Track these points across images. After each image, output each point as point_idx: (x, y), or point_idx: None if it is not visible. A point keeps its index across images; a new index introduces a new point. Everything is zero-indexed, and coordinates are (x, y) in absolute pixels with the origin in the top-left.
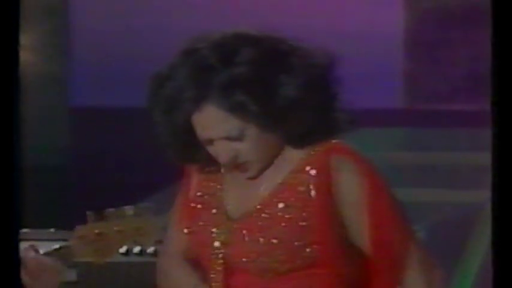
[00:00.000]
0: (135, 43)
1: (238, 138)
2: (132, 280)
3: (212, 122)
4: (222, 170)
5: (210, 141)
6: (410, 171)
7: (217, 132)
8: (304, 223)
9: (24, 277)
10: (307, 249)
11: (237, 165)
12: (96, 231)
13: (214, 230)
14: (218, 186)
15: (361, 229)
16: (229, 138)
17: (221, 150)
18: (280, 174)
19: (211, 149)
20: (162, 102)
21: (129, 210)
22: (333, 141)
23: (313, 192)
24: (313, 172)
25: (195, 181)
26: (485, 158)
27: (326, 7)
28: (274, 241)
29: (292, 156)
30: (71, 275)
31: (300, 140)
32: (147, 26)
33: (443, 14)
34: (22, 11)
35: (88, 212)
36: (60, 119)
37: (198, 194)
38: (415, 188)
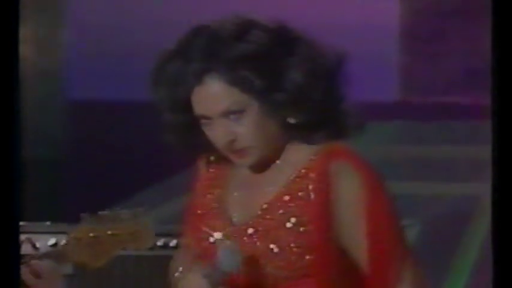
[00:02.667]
0: (134, 36)
1: (238, 115)
2: (127, 273)
3: (213, 95)
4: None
5: (208, 120)
6: (405, 164)
7: (217, 107)
8: (303, 228)
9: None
10: (307, 257)
11: (235, 151)
12: (91, 234)
13: (218, 235)
14: (223, 192)
15: (357, 237)
16: (228, 114)
17: (219, 132)
18: (282, 179)
19: (209, 132)
20: (166, 76)
21: (124, 214)
22: (335, 143)
23: (312, 198)
24: (313, 177)
25: (202, 187)
26: (481, 151)
27: (322, 1)
28: (274, 247)
29: (294, 160)
30: (67, 268)
31: (303, 137)
32: (146, 20)
33: (439, 8)
34: (20, 4)
35: (82, 214)
36: (58, 112)
37: (205, 200)
38: (410, 181)
